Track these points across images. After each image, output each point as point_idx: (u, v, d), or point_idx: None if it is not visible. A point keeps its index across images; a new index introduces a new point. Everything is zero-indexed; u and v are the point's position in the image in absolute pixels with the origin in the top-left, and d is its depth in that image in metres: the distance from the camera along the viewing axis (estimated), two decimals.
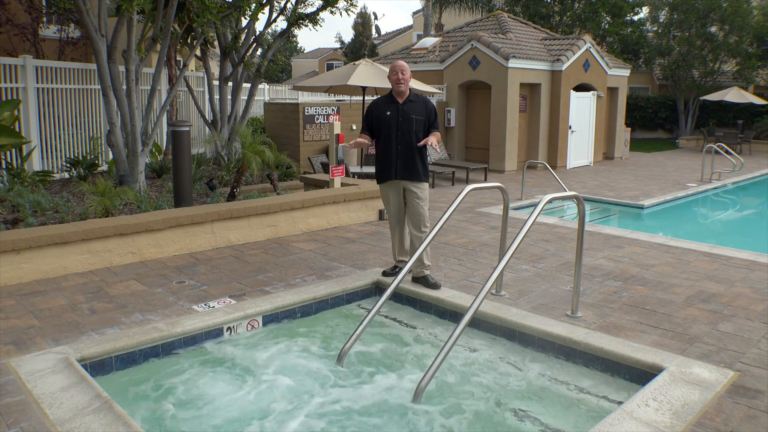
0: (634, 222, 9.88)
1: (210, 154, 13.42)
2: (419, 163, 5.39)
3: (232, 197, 8.43)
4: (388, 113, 5.38)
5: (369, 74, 10.38)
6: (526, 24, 17.95)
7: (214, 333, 4.54)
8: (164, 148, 12.08)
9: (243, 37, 12.67)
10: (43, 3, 12.50)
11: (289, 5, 12.54)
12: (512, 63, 13.86)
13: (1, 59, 9.81)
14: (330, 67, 40.30)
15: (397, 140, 5.35)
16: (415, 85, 10.60)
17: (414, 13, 37.67)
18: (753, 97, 21.60)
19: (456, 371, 4.16)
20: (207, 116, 13.24)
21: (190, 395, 3.79)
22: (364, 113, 5.61)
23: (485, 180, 12.82)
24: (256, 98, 14.74)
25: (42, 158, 10.44)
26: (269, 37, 21.30)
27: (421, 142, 5.33)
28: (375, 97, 12.39)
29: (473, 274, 5.84)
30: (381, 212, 8.38)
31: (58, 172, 10.44)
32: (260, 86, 16.55)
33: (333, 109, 13.57)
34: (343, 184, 8.55)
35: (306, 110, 13.14)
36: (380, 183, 5.57)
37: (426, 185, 5.46)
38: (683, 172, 15.22)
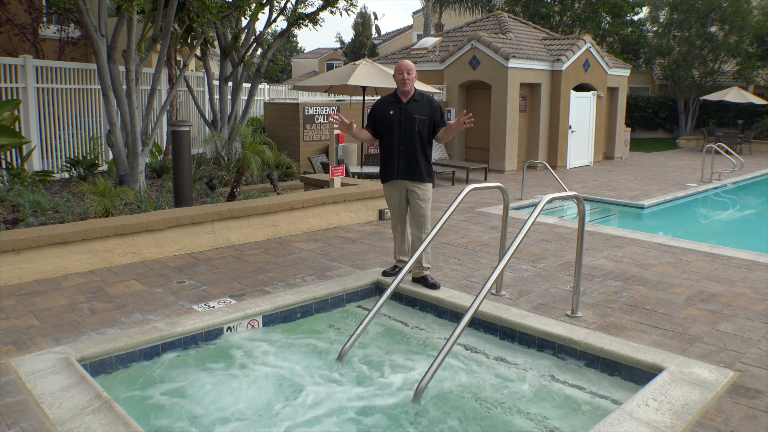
0: (634, 222, 9.88)
1: (210, 154, 13.42)
2: (422, 163, 5.36)
3: (232, 197, 8.43)
4: (391, 112, 5.38)
5: (369, 74, 10.38)
6: (526, 24, 17.95)
7: (215, 333, 4.54)
8: (164, 148, 12.08)
9: (243, 37, 12.68)
10: (43, 3, 12.50)
11: (289, 5, 12.56)
12: (512, 63, 13.86)
13: (1, 59, 9.81)
14: (330, 67, 40.30)
15: (399, 140, 5.34)
16: (416, 85, 10.59)
17: (414, 13, 37.67)
18: (753, 97, 21.60)
19: (456, 371, 4.16)
20: (207, 116, 13.24)
21: (190, 395, 3.79)
22: (369, 111, 5.62)
23: (485, 180, 12.82)
24: (256, 98, 14.75)
25: (42, 158, 10.44)
26: (269, 37, 21.31)
27: (452, 125, 5.23)
28: (375, 97, 12.49)
29: (473, 274, 5.84)
30: (381, 212, 8.38)
31: (58, 172, 10.44)
32: (260, 86, 16.55)
33: (333, 109, 13.56)
34: (343, 184, 8.55)
35: (306, 110, 13.14)
36: (384, 182, 5.58)
37: (429, 186, 5.42)
38: (683, 172, 15.22)
